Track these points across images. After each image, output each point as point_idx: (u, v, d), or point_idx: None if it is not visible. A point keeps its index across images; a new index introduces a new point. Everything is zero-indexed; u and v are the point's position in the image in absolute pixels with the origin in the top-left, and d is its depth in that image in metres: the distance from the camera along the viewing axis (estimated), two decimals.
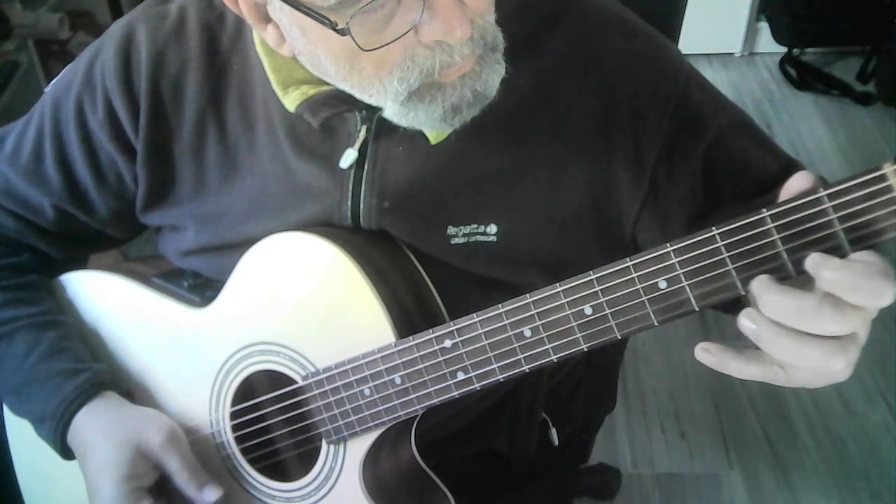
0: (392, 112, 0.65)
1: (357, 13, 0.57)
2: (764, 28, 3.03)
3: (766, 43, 3.04)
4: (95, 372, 0.80)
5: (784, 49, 2.96)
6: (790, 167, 0.73)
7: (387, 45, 0.59)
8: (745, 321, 0.54)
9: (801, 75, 2.91)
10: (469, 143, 0.71)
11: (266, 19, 0.66)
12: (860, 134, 2.66)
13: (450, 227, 0.73)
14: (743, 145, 0.74)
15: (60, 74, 0.84)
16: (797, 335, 0.51)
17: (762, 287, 0.52)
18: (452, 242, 0.74)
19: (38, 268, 0.88)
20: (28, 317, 0.83)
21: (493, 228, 0.73)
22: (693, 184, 0.72)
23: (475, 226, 0.73)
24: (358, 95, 0.66)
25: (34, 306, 0.84)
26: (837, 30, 2.85)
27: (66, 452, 0.79)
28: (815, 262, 0.50)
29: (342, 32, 0.57)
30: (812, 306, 0.50)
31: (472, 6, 0.60)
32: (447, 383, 0.68)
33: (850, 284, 0.49)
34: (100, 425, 0.77)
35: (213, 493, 0.76)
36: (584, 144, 0.72)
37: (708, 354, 0.56)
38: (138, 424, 0.77)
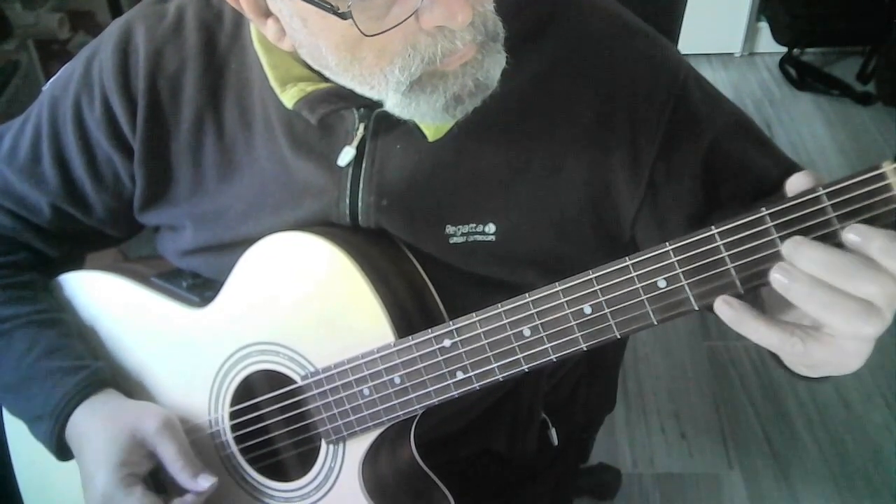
0: (393, 104, 0.65)
1: None
2: (764, 28, 3.03)
3: (766, 43, 3.04)
4: (95, 370, 0.80)
5: (784, 49, 2.96)
6: (791, 172, 0.73)
7: (388, 30, 0.59)
8: (778, 274, 0.52)
9: (801, 75, 2.91)
10: (467, 141, 0.71)
11: (266, 13, 0.66)
12: (860, 134, 2.66)
13: (448, 225, 0.73)
14: (743, 147, 0.73)
15: (58, 73, 0.84)
16: (833, 289, 0.50)
17: (798, 243, 0.51)
18: (451, 242, 0.73)
19: (36, 266, 0.88)
20: (27, 315, 0.82)
21: (491, 228, 0.73)
22: (692, 185, 0.72)
23: (473, 225, 0.73)
24: (359, 88, 0.66)
25: (33, 304, 0.84)
26: (837, 30, 2.84)
27: (62, 452, 0.79)
28: (860, 231, 0.50)
29: (344, 16, 0.57)
30: (854, 262, 0.49)
31: None
32: (446, 383, 0.68)
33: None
34: (97, 418, 0.77)
35: (207, 480, 0.75)
36: (582, 143, 0.72)
37: (728, 307, 0.54)
38: (134, 413, 0.77)
